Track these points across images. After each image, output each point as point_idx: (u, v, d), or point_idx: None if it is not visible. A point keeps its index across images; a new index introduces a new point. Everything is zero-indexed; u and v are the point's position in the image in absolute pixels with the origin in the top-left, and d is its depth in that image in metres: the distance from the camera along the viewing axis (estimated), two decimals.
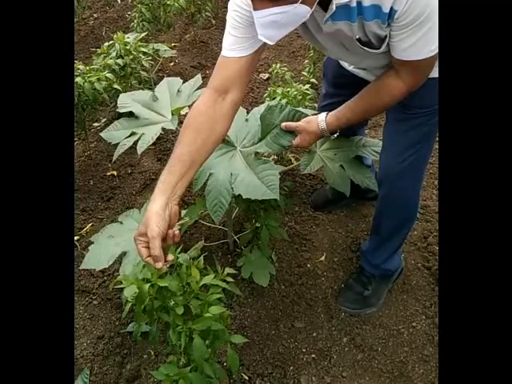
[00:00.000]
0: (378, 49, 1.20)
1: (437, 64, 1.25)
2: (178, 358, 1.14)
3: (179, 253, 1.21)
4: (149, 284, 0.94)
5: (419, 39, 1.10)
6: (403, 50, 1.15)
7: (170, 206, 1.07)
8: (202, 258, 1.19)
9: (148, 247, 1.02)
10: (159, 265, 0.98)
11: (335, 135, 1.51)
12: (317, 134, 1.47)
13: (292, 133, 1.50)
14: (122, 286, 0.97)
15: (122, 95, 1.77)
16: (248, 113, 1.67)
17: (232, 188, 1.39)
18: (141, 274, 1.00)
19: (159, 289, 0.96)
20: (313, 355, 1.62)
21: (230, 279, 1.10)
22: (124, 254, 1.52)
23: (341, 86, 1.64)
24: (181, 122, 2.59)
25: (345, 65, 1.58)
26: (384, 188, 1.56)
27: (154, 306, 0.96)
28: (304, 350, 1.63)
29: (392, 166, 1.47)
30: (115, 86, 2.18)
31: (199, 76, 1.82)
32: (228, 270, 1.17)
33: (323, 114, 1.45)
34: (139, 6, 3.21)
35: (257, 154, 1.50)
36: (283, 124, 1.50)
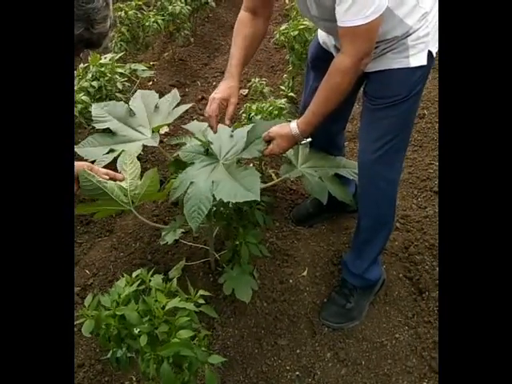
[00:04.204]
0: None
1: (392, 56, 1.42)
2: None
3: (153, 274, 1.20)
4: (107, 313, 0.92)
5: (354, 2, 1.22)
6: (342, 15, 1.26)
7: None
8: (175, 280, 1.18)
9: (218, 107, 1.50)
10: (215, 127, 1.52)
11: (308, 140, 1.53)
12: (289, 138, 1.52)
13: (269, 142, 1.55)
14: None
15: (94, 107, 1.73)
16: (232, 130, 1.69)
17: (213, 195, 1.39)
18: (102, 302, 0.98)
19: (122, 317, 0.94)
20: (297, 372, 1.60)
21: (202, 301, 1.09)
22: None
23: (319, 59, 1.68)
24: (161, 142, 2.60)
25: (323, 38, 1.65)
26: (361, 180, 1.61)
27: (122, 333, 0.94)
28: (288, 368, 1.61)
29: (365, 154, 1.55)
30: (91, 109, 2.17)
31: (176, 91, 1.80)
32: (202, 291, 1.16)
33: (294, 120, 1.53)
34: (119, 25, 3.21)
35: (238, 161, 1.52)
36: (263, 134, 1.56)
